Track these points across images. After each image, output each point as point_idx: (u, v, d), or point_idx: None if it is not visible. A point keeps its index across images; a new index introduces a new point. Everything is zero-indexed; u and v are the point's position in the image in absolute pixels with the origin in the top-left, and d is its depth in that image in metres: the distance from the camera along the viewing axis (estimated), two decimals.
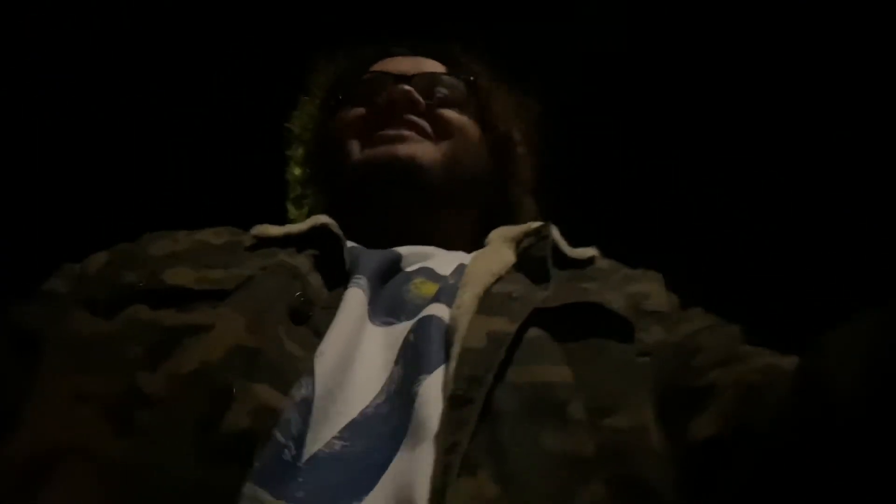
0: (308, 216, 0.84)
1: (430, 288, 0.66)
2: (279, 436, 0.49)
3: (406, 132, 0.82)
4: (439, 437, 0.50)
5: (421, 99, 0.85)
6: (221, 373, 0.52)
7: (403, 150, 0.81)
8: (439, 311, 0.61)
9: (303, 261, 0.66)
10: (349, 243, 0.71)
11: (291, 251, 0.67)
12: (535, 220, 0.81)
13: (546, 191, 0.95)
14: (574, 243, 0.78)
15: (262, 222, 0.74)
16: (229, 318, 0.57)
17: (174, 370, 0.53)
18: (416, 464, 0.49)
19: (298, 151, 0.98)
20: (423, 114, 0.84)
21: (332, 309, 0.61)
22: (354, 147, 0.84)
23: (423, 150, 0.82)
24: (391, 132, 0.82)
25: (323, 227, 0.70)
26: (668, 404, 0.58)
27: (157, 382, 0.53)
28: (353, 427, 0.53)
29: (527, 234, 0.75)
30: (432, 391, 0.54)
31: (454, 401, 0.52)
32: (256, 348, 0.54)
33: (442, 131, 0.85)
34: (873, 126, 1.47)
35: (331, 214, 0.74)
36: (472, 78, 0.91)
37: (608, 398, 0.56)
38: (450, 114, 0.87)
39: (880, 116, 1.45)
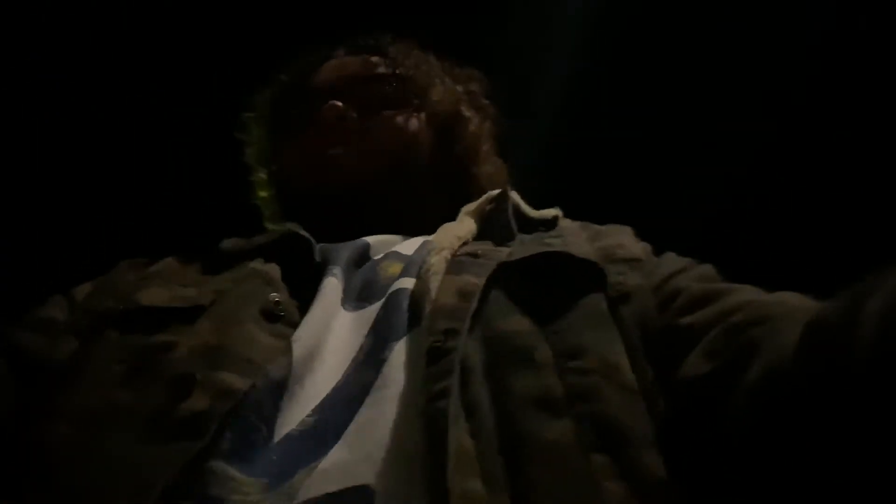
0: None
1: (397, 267, 0.67)
2: (252, 418, 0.51)
3: (340, 152, 0.83)
4: (417, 389, 0.51)
5: (351, 111, 0.86)
6: (183, 365, 0.54)
7: (340, 174, 0.83)
8: (406, 283, 0.63)
9: (274, 266, 0.68)
10: (319, 245, 0.72)
11: (261, 260, 0.69)
12: (505, 185, 0.82)
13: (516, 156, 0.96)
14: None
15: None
16: (199, 328, 0.59)
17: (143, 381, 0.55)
18: (383, 415, 0.50)
19: (260, 175, 0.99)
20: (358, 121, 0.86)
21: (307, 301, 0.62)
22: (303, 173, 0.86)
23: (359, 170, 0.83)
24: (330, 153, 0.83)
25: (291, 234, 0.72)
26: (654, 345, 0.58)
27: (128, 394, 0.54)
28: (324, 402, 0.54)
29: (488, 202, 0.77)
30: (401, 354, 0.55)
31: (433, 353, 0.52)
32: (220, 344, 0.56)
33: (381, 135, 0.86)
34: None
35: (299, 221, 0.76)
36: (402, 71, 0.91)
37: (574, 341, 0.56)
38: (386, 115, 0.87)
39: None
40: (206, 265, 0.71)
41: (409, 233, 0.77)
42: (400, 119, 0.88)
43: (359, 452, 0.48)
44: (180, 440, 0.48)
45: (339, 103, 0.85)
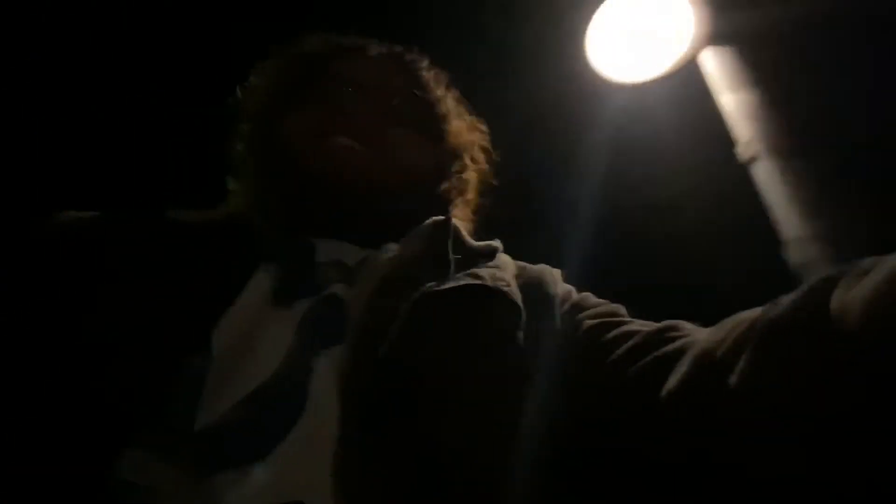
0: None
1: (335, 274, 0.68)
2: (172, 406, 0.53)
3: (359, 146, 0.82)
4: (336, 413, 0.54)
5: (378, 115, 0.85)
6: (110, 357, 0.56)
7: (353, 165, 0.81)
8: (339, 289, 0.65)
9: (214, 248, 0.68)
10: (267, 235, 0.73)
11: (206, 240, 0.69)
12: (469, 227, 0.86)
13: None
14: None
15: None
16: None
17: None
18: (313, 438, 0.53)
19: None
20: (377, 128, 0.85)
21: (234, 293, 0.63)
22: (306, 153, 0.83)
23: (372, 167, 0.82)
24: (345, 142, 0.81)
25: (239, 216, 0.74)
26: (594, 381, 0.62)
27: None
28: (248, 400, 0.55)
29: (434, 228, 0.78)
30: (328, 366, 0.58)
31: (351, 378, 0.56)
32: (145, 331, 0.57)
33: (392, 150, 0.85)
34: None
35: (258, 200, 0.78)
36: (432, 100, 0.91)
37: (476, 385, 0.60)
38: (403, 134, 0.87)
39: None
40: (158, 242, 0.71)
41: (361, 243, 0.78)
42: (416, 141, 0.88)
43: (290, 468, 0.51)
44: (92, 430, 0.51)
45: (370, 104, 0.85)
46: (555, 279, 0.75)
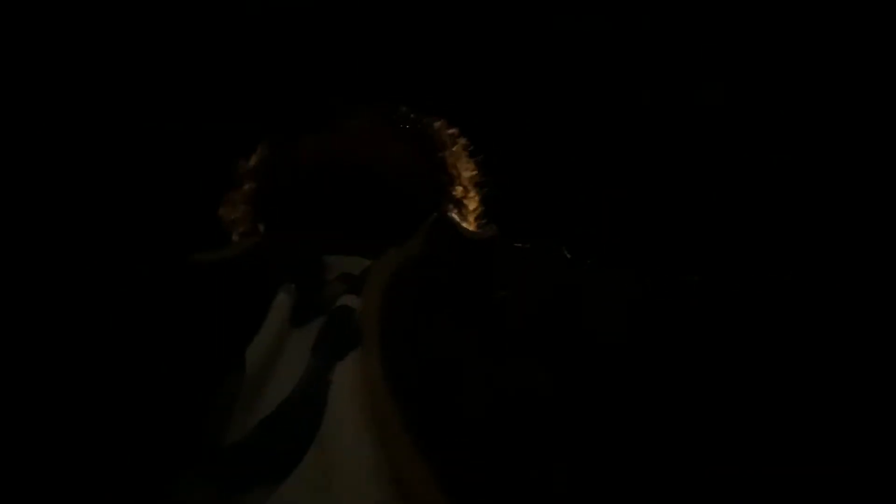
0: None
1: (342, 286, 0.70)
2: (206, 425, 0.55)
3: None
4: (355, 421, 0.55)
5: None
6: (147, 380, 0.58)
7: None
8: (349, 300, 0.66)
9: (234, 279, 0.71)
10: (278, 256, 0.75)
11: (226, 273, 0.72)
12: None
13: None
14: None
15: None
16: None
17: None
18: (336, 450, 0.54)
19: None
20: None
21: (260, 315, 0.65)
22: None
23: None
24: None
25: (254, 247, 0.77)
26: None
27: None
28: (270, 419, 0.56)
29: (431, 224, 0.80)
30: (344, 377, 0.59)
31: (371, 385, 0.57)
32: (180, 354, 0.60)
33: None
34: None
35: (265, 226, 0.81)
36: (440, 157, 0.93)
37: (504, 365, 0.62)
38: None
39: None
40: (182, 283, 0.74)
41: (363, 254, 0.79)
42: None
43: (314, 483, 0.52)
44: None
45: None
46: (548, 258, 0.77)
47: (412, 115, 0.93)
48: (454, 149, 0.95)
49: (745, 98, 1.47)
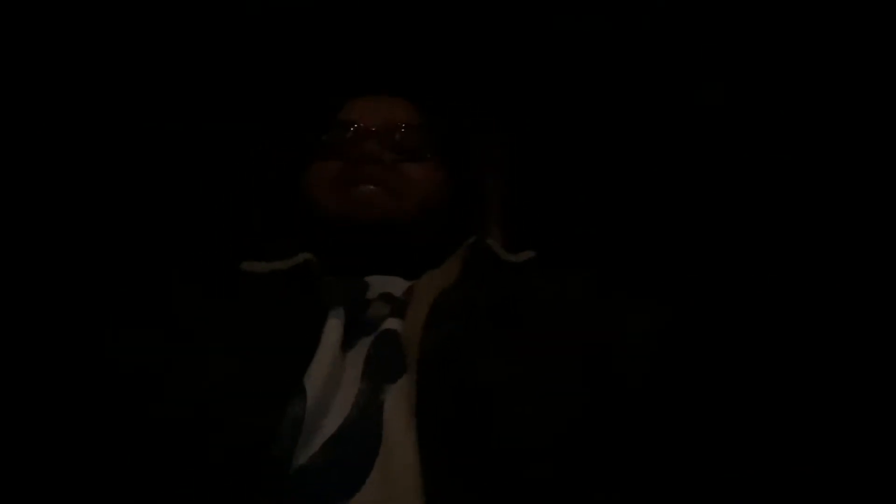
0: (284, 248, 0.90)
1: (386, 308, 0.73)
2: (273, 450, 0.56)
3: (373, 189, 0.88)
4: (410, 444, 0.58)
5: (385, 156, 0.90)
6: (209, 406, 0.60)
7: (372, 210, 0.87)
8: (394, 324, 0.69)
9: (285, 297, 0.73)
10: (325, 278, 0.77)
11: (275, 287, 0.75)
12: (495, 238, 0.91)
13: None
14: None
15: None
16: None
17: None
18: (395, 470, 0.56)
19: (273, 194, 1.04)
20: (389, 168, 0.89)
21: (314, 339, 0.67)
22: (330, 202, 0.90)
23: (390, 209, 0.88)
24: (362, 189, 0.88)
25: (305, 264, 0.79)
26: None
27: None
28: (331, 442, 0.59)
29: (470, 251, 0.83)
30: (397, 399, 0.62)
31: (420, 409, 0.59)
32: (241, 379, 0.62)
33: (407, 187, 0.90)
34: None
35: (311, 247, 0.83)
36: (440, 129, 0.95)
37: (544, 388, 0.64)
38: (414, 169, 0.92)
39: None
40: (222, 294, 0.77)
41: (404, 275, 0.82)
42: (428, 173, 0.93)
43: (382, 501, 0.55)
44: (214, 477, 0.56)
45: (376, 146, 0.89)
46: (587, 279, 0.80)
47: (448, 130, 0.96)
48: (489, 167, 0.98)
49: (745, 98, 1.47)
